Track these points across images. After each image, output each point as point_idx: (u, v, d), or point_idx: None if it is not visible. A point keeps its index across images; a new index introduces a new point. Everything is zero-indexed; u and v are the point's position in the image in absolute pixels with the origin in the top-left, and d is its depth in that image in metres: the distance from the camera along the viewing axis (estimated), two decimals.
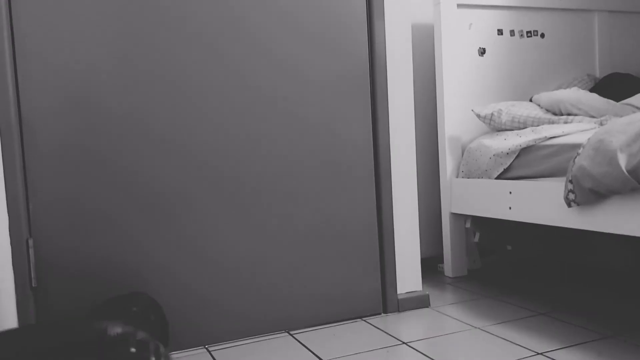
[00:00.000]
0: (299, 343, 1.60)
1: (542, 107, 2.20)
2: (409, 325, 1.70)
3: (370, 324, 1.74)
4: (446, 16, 2.25)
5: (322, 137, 1.76)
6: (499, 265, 2.50)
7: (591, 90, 2.32)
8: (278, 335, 1.68)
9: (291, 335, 1.68)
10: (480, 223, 2.37)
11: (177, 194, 1.59)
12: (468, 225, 2.34)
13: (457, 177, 2.30)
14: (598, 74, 2.55)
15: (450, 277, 2.30)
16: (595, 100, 2.06)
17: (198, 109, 1.61)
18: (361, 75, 1.81)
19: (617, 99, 2.23)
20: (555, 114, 2.13)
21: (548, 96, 2.17)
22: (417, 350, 1.49)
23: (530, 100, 2.32)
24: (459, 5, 2.29)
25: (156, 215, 1.57)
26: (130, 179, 1.55)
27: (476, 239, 2.43)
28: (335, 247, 1.79)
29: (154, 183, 1.57)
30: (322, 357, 1.47)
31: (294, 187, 1.72)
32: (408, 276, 1.90)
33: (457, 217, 2.32)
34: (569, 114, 2.07)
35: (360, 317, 1.81)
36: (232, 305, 1.66)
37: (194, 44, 1.60)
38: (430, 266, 2.48)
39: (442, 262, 2.47)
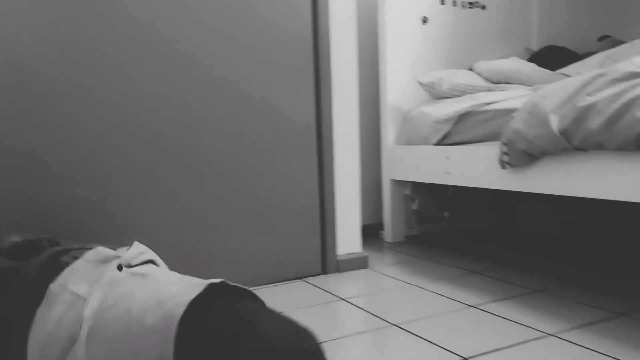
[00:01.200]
0: None
1: (482, 76, 2.25)
2: (347, 284, 1.72)
3: (310, 283, 1.75)
4: None
5: (265, 104, 1.73)
6: (437, 231, 2.56)
7: (528, 61, 2.38)
8: None
9: None
10: (420, 190, 2.42)
11: (114, 157, 1.53)
12: (408, 192, 2.38)
13: (397, 144, 2.32)
14: (536, 46, 2.63)
15: (389, 243, 2.34)
16: (533, 70, 2.12)
17: (137, 82, 1.54)
18: (303, 42, 1.79)
19: (553, 70, 2.30)
20: (494, 82, 2.18)
21: (488, 65, 2.21)
22: (354, 304, 1.50)
23: (471, 69, 2.36)
24: None
25: (89, 173, 1.50)
26: (63, 128, 1.47)
27: (415, 206, 2.48)
28: (277, 212, 1.77)
29: (85, 136, 1.50)
30: None
31: (238, 152, 1.69)
32: (348, 238, 1.91)
33: (397, 183, 2.35)
34: (507, 83, 2.13)
35: (301, 278, 1.81)
36: (171, 268, 1.61)
37: (129, 21, 1.53)
38: (372, 233, 2.51)
39: (382, 229, 2.50)
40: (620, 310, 1.39)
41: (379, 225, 2.52)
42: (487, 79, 2.19)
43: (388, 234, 2.37)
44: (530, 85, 2.07)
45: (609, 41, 2.64)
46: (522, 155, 1.66)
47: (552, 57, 2.40)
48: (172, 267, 1.61)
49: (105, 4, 1.50)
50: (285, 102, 1.77)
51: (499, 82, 2.15)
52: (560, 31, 2.70)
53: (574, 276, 1.72)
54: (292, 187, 1.79)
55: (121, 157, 1.54)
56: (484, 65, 2.23)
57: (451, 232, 2.53)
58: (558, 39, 2.68)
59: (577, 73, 2.09)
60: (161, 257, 1.59)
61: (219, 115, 1.66)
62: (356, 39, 1.90)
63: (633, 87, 1.40)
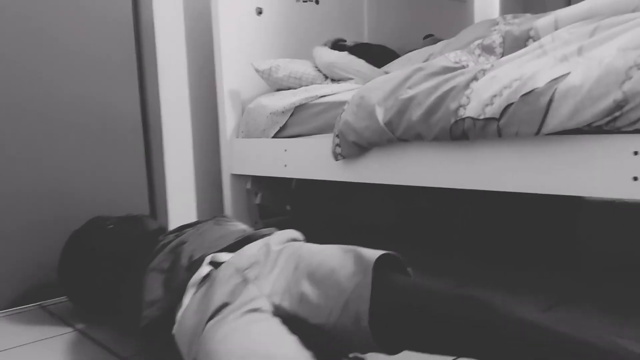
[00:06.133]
0: None
1: (317, 67, 2.26)
2: None
3: None
4: None
5: (86, 108, 1.56)
6: (280, 225, 2.54)
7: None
8: None
9: None
10: (262, 184, 2.38)
11: None
12: (249, 186, 2.34)
13: (237, 137, 2.26)
14: (367, 41, 2.73)
15: None
16: (362, 65, 2.18)
17: None
18: (125, 33, 1.65)
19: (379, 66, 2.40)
20: (327, 76, 2.21)
21: (321, 57, 2.24)
22: None
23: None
24: None
25: None
26: None
27: (258, 200, 2.44)
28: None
29: None
30: None
31: (61, 158, 1.51)
32: None
33: (238, 178, 2.29)
34: (339, 76, 2.17)
35: None
36: None
37: None
38: None
39: None
40: None
41: None
42: (321, 71, 2.21)
43: None
44: (360, 79, 2.14)
45: (433, 39, 2.84)
46: (352, 146, 1.70)
47: (371, 54, 2.48)
48: None
49: None
50: (107, 96, 1.62)
51: (332, 75, 2.18)
52: (390, 28, 2.84)
53: None
54: (117, 187, 1.65)
55: None
56: (318, 56, 2.24)
57: (293, 225, 2.53)
58: (388, 36, 2.82)
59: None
60: None
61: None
62: (184, 29, 1.80)
63: (446, 80, 1.50)
